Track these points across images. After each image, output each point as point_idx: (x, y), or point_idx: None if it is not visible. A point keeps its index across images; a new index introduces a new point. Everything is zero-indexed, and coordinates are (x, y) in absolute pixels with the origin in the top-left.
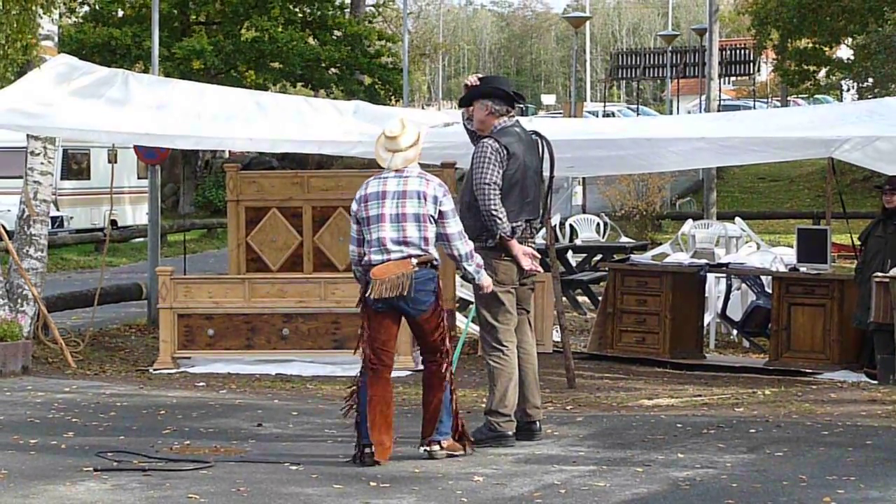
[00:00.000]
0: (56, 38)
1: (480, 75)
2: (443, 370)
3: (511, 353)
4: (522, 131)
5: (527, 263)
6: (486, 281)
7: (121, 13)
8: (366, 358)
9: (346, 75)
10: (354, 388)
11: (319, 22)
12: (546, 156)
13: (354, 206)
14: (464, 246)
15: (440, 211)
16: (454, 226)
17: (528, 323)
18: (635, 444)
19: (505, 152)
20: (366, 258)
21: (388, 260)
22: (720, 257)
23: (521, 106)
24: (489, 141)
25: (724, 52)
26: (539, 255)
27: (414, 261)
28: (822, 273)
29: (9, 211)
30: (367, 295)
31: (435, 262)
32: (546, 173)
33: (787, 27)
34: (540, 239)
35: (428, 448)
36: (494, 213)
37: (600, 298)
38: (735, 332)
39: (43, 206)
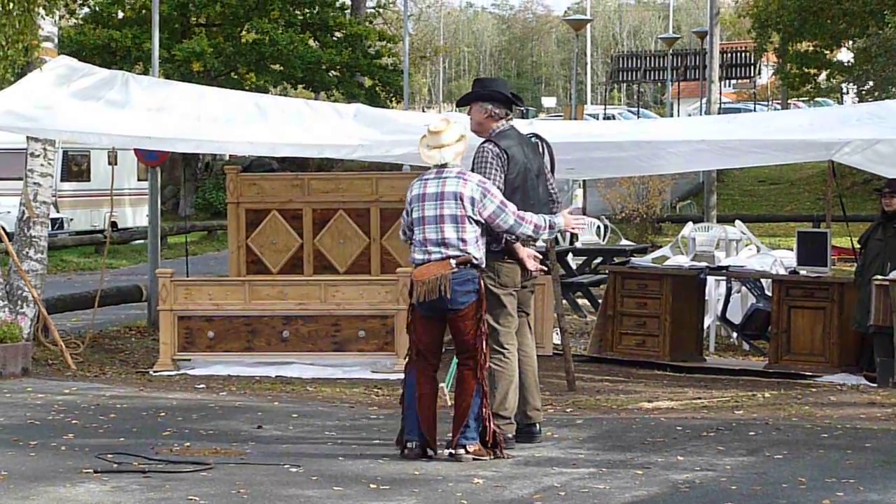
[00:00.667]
0: (56, 40)
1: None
2: (475, 374)
3: (512, 355)
4: (519, 134)
5: (531, 265)
6: (563, 221)
7: (121, 15)
8: (411, 357)
9: (347, 78)
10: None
11: (320, 24)
12: (546, 158)
13: (407, 206)
14: (528, 227)
15: (486, 216)
16: (508, 219)
17: (528, 325)
18: (635, 446)
19: (505, 156)
20: (410, 257)
21: (429, 261)
22: (720, 260)
23: (522, 108)
24: (489, 145)
25: (724, 55)
26: (540, 257)
27: (453, 262)
28: (821, 276)
29: (9, 213)
30: (411, 298)
31: (475, 262)
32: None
33: (787, 30)
34: (540, 241)
35: (454, 451)
36: None
37: (600, 301)
38: (735, 334)
39: (43, 208)
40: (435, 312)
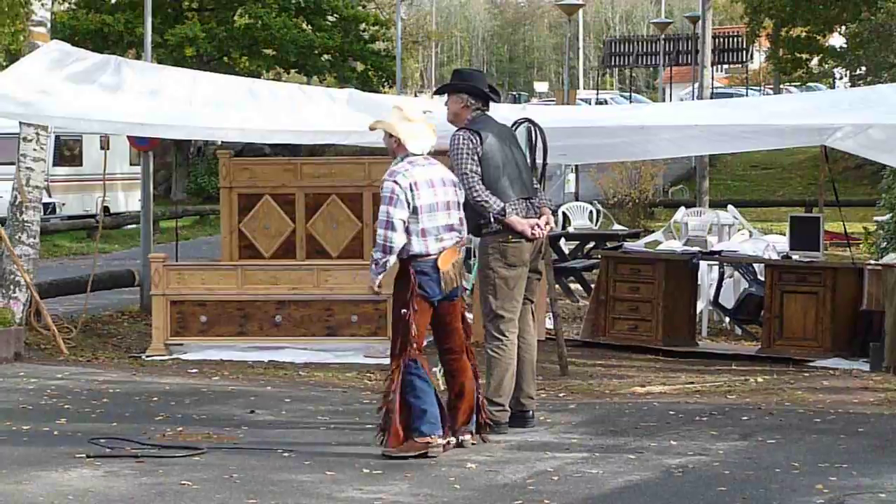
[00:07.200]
0: (49, 25)
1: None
2: (472, 354)
3: (511, 343)
4: (496, 122)
5: (536, 232)
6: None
7: (113, 0)
8: (410, 351)
9: (340, 62)
10: (390, 381)
11: (314, 7)
12: (539, 143)
13: (405, 193)
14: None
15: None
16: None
17: (532, 313)
18: (628, 431)
19: (477, 138)
20: (418, 247)
21: (444, 249)
22: (713, 245)
23: (515, 94)
24: (460, 132)
25: (716, 40)
26: (540, 223)
27: (461, 248)
28: (814, 261)
29: (1, 197)
30: (419, 287)
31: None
32: (539, 160)
33: (780, 16)
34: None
35: (463, 437)
36: (479, 198)
37: (593, 286)
38: (727, 319)
39: (35, 193)
40: (437, 300)
